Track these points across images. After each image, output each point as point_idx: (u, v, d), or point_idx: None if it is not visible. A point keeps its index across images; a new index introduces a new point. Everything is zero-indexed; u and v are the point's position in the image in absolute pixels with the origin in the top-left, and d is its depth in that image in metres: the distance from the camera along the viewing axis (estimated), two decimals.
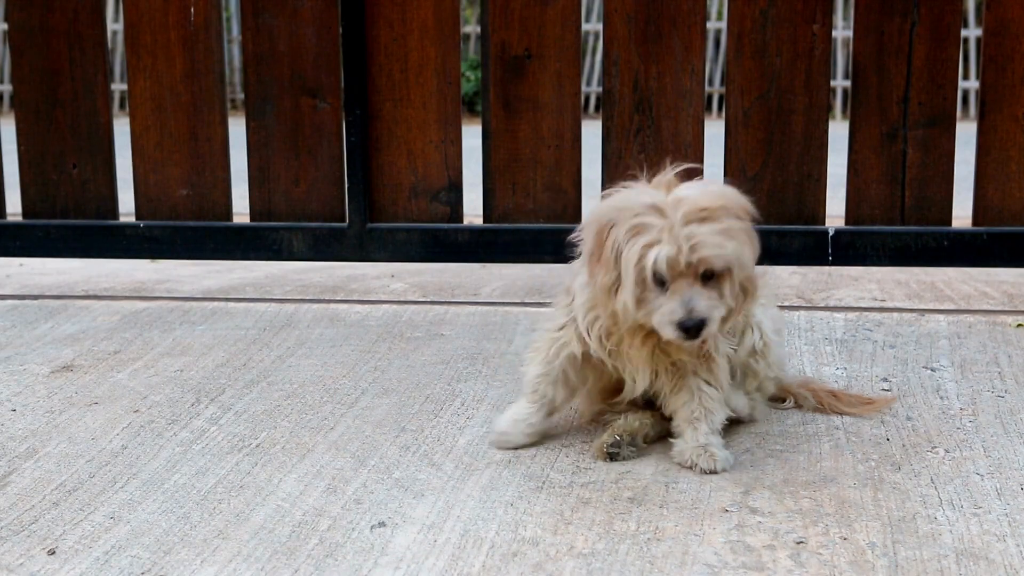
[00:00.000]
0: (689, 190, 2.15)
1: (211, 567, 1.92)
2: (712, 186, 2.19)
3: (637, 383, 2.32)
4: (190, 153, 3.57)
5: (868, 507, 2.11)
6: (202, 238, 3.59)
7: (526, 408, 2.40)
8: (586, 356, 2.35)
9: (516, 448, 2.39)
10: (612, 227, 2.14)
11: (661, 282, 2.12)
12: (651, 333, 2.23)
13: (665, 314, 2.12)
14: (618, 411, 2.44)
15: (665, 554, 1.94)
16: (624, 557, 1.93)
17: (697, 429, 2.30)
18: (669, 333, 2.14)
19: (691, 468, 2.27)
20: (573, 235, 2.31)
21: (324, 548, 1.98)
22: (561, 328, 2.36)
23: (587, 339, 2.30)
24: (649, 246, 2.09)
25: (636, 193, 2.16)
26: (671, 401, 2.34)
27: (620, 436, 2.33)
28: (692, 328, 2.12)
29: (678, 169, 2.20)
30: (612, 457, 2.31)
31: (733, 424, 2.49)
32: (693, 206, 2.11)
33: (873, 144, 3.36)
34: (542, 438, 2.43)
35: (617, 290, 2.15)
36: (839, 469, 2.28)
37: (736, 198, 2.17)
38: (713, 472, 2.25)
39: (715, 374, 2.32)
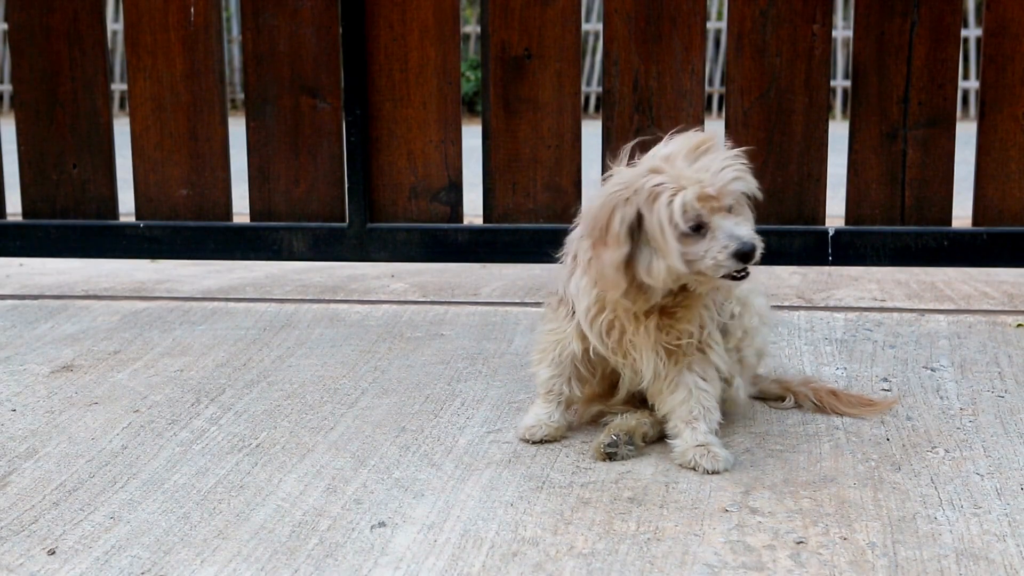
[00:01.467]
0: (668, 145, 2.17)
1: (211, 567, 1.92)
2: (685, 132, 2.19)
3: (642, 371, 2.31)
4: (190, 153, 3.57)
5: (868, 507, 2.11)
6: (202, 238, 3.59)
7: (545, 408, 2.44)
8: (586, 353, 2.37)
9: (542, 441, 2.42)
10: (616, 205, 2.13)
11: (697, 228, 2.11)
12: (649, 312, 2.24)
13: (715, 252, 2.10)
14: (616, 411, 2.44)
15: (665, 554, 1.94)
16: (624, 557, 1.93)
17: (696, 429, 2.30)
18: (727, 266, 2.11)
19: (693, 468, 2.27)
20: (571, 234, 2.34)
21: (324, 548, 1.98)
22: (564, 329, 2.37)
23: (589, 335, 2.31)
24: (672, 196, 2.09)
25: (627, 170, 2.18)
26: (667, 401, 2.33)
27: (617, 436, 2.33)
28: (749, 252, 2.10)
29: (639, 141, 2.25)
30: (610, 457, 2.31)
31: (732, 423, 2.49)
32: (686, 148, 2.13)
33: (873, 144, 3.36)
34: (567, 431, 2.46)
35: (630, 265, 2.14)
36: (839, 469, 2.28)
37: (717, 135, 2.18)
38: (716, 472, 2.25)
39: (712, 363, 2.32)
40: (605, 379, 2.47)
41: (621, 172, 2.19)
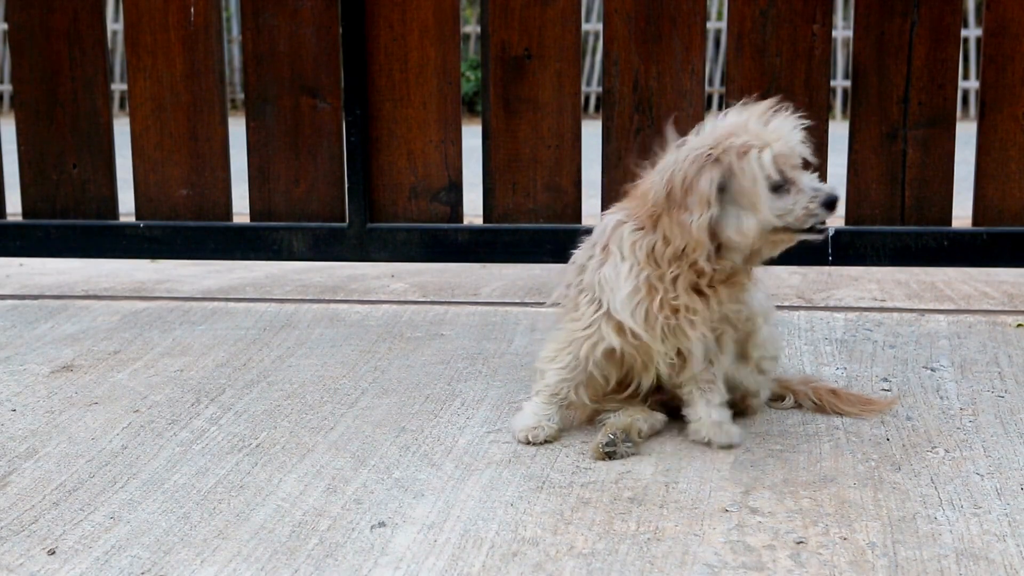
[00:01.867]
0: (730, 116, 2.25)
1: (211, 567, 1.92)
2: (737, 107, 2.27)
3: (692, 350, 2.33)
4: (190, 153, 3.57)
5: (868, 507, 2.11)
6: (202, 238, 3.59)
7: (546, 409, 2.43)
8: (613, 350, 2.36)
9: (544, 443, 2.41)
10: (702, 167, 2.17)
11: (781, 183, 2.19)
12: (713, 285, 2.28)
13: (804, 202, 2.20)
14: (610, 409, 2.45)
15: (665, 554, 1.94)
16: (624, 557, 1.93)
17: (711, 402, 2.38)
18: (818, 214, 2.20)
19: (707, 444, 2.35)
20: (602, 223, 2.33)
21: (324, 548, 1.98)
22: (589, 325, 2.34)
23: (629, 322, 2.29)
24: (761, 150, 2.17)
25: (700, 138, 2.23)
26: (686, 370, 2.38)
27: (615, 434, 2.34)
28: (835, 200, 2.21)
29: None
30: (609, 456, 2.32)
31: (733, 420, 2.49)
32: (755, 113, 2.22)
33: (873, 144, 3.36)
34: (561, 433, 2.45)
35: (718, 226, 2.19)
36: (839, 469, 2.28)
37: (777, 102, 2.27)
38: (729, 446, 2.32)
39: (727, 343, 2.38)
40: (607, 383, 2.47)
41: (685, 146, 2.23)
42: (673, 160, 2.22)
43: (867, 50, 3.34)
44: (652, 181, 2.26)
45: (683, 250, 2.22)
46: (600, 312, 2.32)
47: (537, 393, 2.45)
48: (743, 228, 2.19)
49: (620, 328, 2.31)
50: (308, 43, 3.48)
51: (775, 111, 2.23)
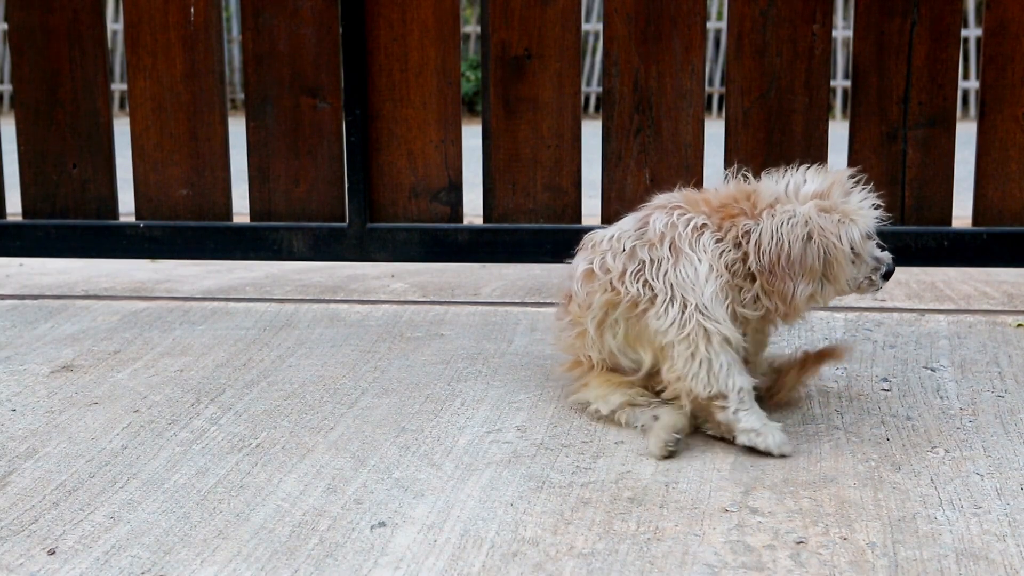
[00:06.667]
0: (809, 179, 2.36)
1: (211, 567, 1.92)
2: (812, 174, 2.38)
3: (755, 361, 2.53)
4: (190, 153, 3.57)
5: (868, 507, 2.11)
6: (202, 238, 3.59)
7: (762, 413, 2.39)
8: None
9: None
10: (808, 244, 2.29)
11: (855, 256, 2.36)
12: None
13: (866, 272, 2.41)
14: (640, 404, 2.46)
15: (665, 554, 1.94)
16: (624, 557, 1.93)
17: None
18: (879, 284, 2.42)
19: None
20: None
21: (324, 548, 1.98)
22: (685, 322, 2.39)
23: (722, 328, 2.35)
24: (851, 229, 2.33)
25: (792, 207, 2.31)
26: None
27: (679, 434, 2.35)
28: (893, 271, 2.45)
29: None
30: (671, 455, 2.33)
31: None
32: (838, 185, 2.35)
33: (873, 144, 3.36)
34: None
35: (814, 294, 2.34)
36: (839, 469, 2.28)
37: (846, 172, 2.42)
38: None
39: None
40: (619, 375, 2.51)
41: (785, 207, 2.32)
42: (772, 229, 2.30)
43: (867, 50, 3.34)
44: (738, 212, 2.34)
45: (774, 310, 2.35)
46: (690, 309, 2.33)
47: (741, 403, 2.36)
48: (825, 294, 2.36)
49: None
50: (308, 43, 3.49)
51: (853, 183, 2.37)
